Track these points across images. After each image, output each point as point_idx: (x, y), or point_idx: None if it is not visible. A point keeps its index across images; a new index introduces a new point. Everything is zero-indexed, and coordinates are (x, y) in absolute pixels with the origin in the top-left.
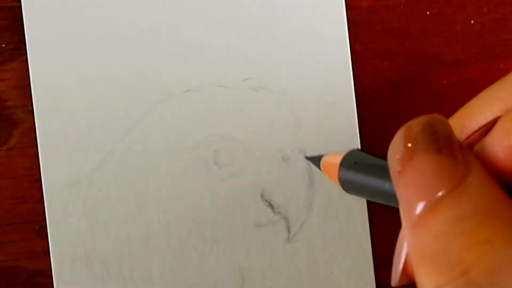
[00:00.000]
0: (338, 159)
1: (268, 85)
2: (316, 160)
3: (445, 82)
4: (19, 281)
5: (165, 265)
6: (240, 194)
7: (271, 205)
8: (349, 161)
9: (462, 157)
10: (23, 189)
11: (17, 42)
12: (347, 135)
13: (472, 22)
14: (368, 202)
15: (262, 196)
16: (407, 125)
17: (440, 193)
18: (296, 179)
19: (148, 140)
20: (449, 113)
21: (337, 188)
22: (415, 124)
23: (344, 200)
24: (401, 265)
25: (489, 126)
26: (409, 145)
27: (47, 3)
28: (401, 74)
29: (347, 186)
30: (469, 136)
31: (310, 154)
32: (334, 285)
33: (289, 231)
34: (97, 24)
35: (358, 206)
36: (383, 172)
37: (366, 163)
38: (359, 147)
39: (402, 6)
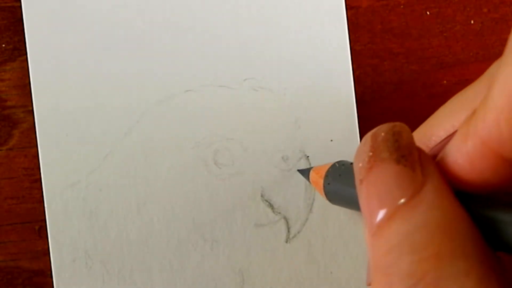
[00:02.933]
0: (324, 171)
1: (268, 85)
2: (306, 173)
3: (445, 82)
4: (19, 281)
5: (165, 265)
6: (240, 194)
7: (271, 205)
8: (333, 173)
9: (420, 167)
10: (23, 189)
11: (17, 42)
12: (347, 135)
13: (472, 22)
14: None
15: (262, 196)
16: (370, 133)
17: (401, 201)
18: (296, 179)
19: (148, 140)
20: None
21: None
22: (378, 132)
23: None
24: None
25: (453, 135)
26: (370, 153)
27: (47, 3)
28: (401, 74)
29: (331, 197)
30: (437, 145)
31: (310, 154)
32: (334, 285)
33: (289, 231)
34: (97, 24)
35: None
36: None
37: (350, 175)
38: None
39: (402, 6)
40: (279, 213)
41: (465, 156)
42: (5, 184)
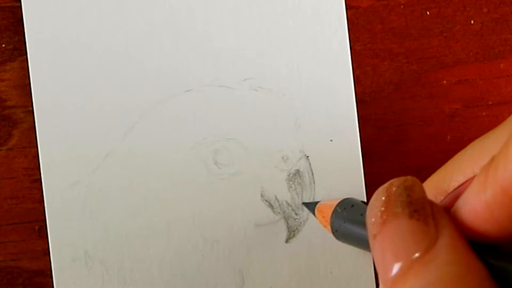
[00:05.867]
0: (331, 208)
1: (268, 85)
2: (311, 206)
3: (445, 82)
4: (19, 281)
5: (165, 265)
6: (240, 194)
7: (271, 205)
8: (339, 219)
9: (433, 221)
10: (23, 189)
11: (17, 42)
12: (347, 135)
13: (472, 22)
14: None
15: (262, 196)
16: (382, 188)
17: (415, 255)
18: (296, 178)
19: (148, 140)
20: (450, 113)
21: (337, 188)
22: (390, 186)
23: None
24: None
25: (471, 180)
26: (383, 208)
27: (47, 3)
28: (401, 74)
29: (339, 236)
30: (454, 190)
31: (310, 154)
32: (334, 285)
33: (289, 231)
34: (97, 24)
35: None
36: None
37: (359, 212)
38: (359, 147)
39: (402, 6)
40: (279, 213)
41: (484, 204)
42: (5, 184)
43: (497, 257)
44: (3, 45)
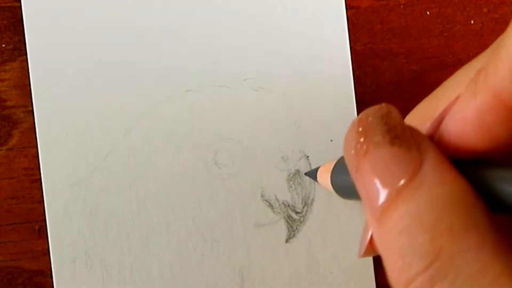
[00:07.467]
0: (331, 167)
1: (268, 85)
2: (313, 174)
3: None
4: (19, 281)
5: (165, 265)
6: (240, 194)
7: (271, 205)
8: (340, 166)
9: (415, 145)
10: (23, 189)
11: (17, 42)
12: None
13: (472, 22)
14: None
15: (262, 196)
16: (357, 118)
17: (401, 182)
18: (296, 178)
19: (148, 140)
20: None
21: None
22: (365, 116)
23: (344, 200)
24: (368, 238)
25: (455, 101)
26: (362, 139)
27: (47, 3)
28: (401, 74)
29: (341, 190)
30: (441, 113)
31: (310, 154)
32: (334, 285)
33: (289, 231)
34: (97, 24)
35: (358, 206)
36: None
37: None
38: None
39: (402, 6)
40: (279, 213)
41: (475, 112)
42: (5, 184)
43: (478, 170)
44: (3, 45)
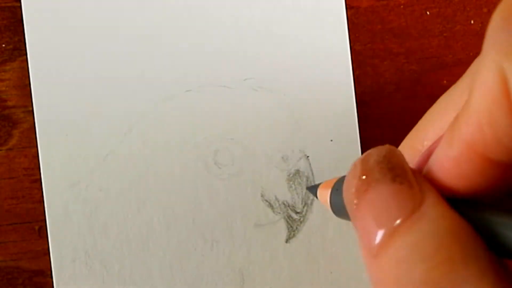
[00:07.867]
0: (331, 184)
1: (268, 85)
2: (314, 190)
3: (445, 82)
4: (19, 281)
5: (165, 265)
6: (240, 194)
7: (271, 205)
8: (339, 186)
9: (417, 184)
10: (23, 189)
11: (17, 42)
12: (347, 135)
13: (472, 22)
14: None
15: (262, 196)
16: (358, 159)
17: (398, 221)
18: (296, 178)
19: (148, 140)
20: None
21: None
22: (368, 156)
23: None
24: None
25: (440, 139)
26: (364, 177)
27: (47, 3)
28: (401, 74)
29: (339, 214)
30: (426, 150)
31: (310, 154)
32: (334, 285)
33: (289, 231)
34: (97, 24)
35: None
36: None
37: None
38: (359, 147)
39: (402, 6)
40: (279, 213)
41: (452, 161)
42: (5, 184)
43: (471, 210)
44: (3, 45)
